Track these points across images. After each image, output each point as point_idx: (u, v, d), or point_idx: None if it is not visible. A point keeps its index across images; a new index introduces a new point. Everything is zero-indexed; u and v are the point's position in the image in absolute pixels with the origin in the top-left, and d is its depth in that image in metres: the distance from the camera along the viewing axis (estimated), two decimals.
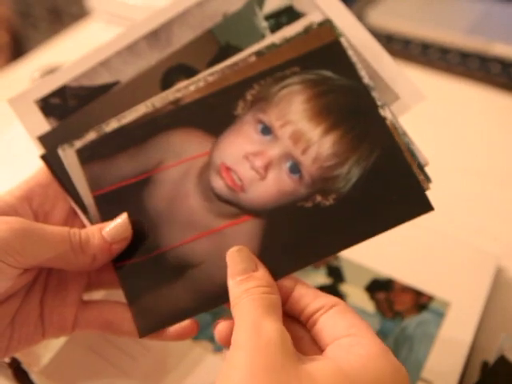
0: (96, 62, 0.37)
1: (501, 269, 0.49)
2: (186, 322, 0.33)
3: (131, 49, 0.37)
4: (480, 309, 0.45)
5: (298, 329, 0.30)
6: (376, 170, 0.33)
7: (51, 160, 0.35)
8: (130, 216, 0.33)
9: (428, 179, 0.33)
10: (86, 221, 0.35)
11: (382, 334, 0.44)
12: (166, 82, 0.36)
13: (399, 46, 0.77)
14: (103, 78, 0.37)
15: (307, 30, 0.35)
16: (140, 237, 0.34)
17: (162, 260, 0.33)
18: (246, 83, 0.35)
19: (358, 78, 0.34)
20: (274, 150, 0.33)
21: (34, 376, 0.40)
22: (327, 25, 0.35)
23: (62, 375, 0.40)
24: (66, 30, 0.91)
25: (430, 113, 0.68)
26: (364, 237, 0.32)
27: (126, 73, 0.37)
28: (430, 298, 0.46)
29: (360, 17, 0.80)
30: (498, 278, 0.48)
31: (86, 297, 0.36)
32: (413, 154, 0.33)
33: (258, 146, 0.34)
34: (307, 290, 0.31)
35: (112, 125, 0.35)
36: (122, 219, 0.33)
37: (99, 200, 0.34)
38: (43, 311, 0.33)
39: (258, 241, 0.33)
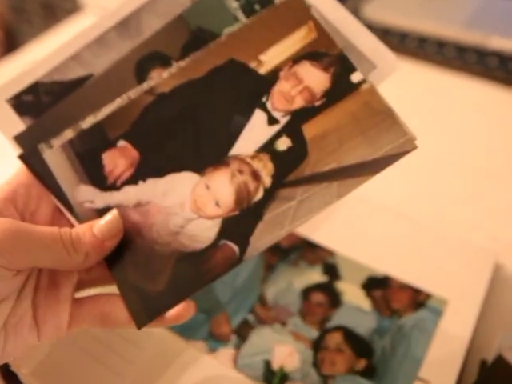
0: (67, 55, 0.36)
1: (499, 266, 0.49)
2: (181, 304, 0.33)
3: (101, 40, 0.37)
4: (478, 306, 0.44)
5: None
6: None
7: (30, 159, 0.34)
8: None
9: None
10: (72, 219, 0.34)
11: (378, 333, 0.43)
12: (141, 71, 0.36)
13: (396, 40, 0.77)
14: (75, 72, 0.36)
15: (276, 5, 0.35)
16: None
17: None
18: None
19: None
20: None
21: (23, 378, 0.39)
22: None
23: (51, 377, 0.39)
24: (59, 25, 0.90)
25: (426, 107, 0.67)
26: None
27: (98, 65, 0.36)
28: (428, 296, 0.45)
29: (356, 11, 0.80)
30: (496, 275, 0.48)
31: (78, 295, 0.35)
32: None
33: None
34: None
35: (89, 120, 0.35)
36: (113, 215, 0.33)
37: None
38: (36, 312, 0.33)
39: None
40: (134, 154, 0.34)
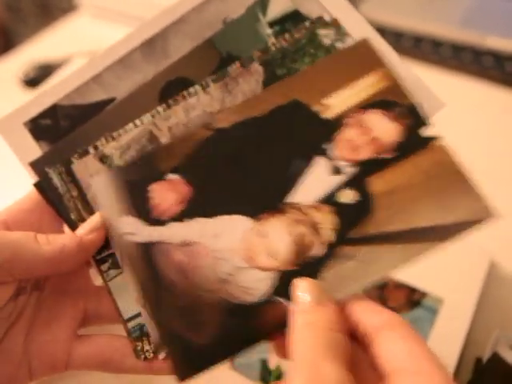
0: (88, 77, 0.34)
1: (494, 264, 0.49)
2: None
3: (124, 62, 0.34)
4: (473, 305, 0.44)
5: (355, 348, 0.27)
6: None
7: (45, 187, 0.33)
8: None
9: None
10: None
11: None
12: (165, 98, 0.34)
13: (391, 39, 0.77)
14: (97, 95, 0.34)
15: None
16: None
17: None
18: None
19: None
20: None
21: None
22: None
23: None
24: (54, 24, 0.90)
25: None
26: None
27: (120, 88, 0.34)
28: (423, 295, 0.46)
29: None
30: (492, 273, 0.48)
31: (84, 332, 0.33)
32: None
33: None
34: (366, 302, 0.28)
35: (111, 145, 0.33)
36: (95, 216, 0.32)
37: None
38: (30, 349, 0.30)
39: None
40: (185, 189, 0.32)
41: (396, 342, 0.26)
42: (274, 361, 0.42)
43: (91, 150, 0.33)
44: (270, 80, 0.33)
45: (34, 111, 0.35)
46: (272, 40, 0.34)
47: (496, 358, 0.40)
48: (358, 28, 0.34)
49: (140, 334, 0.31)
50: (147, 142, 0.33)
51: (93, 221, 0.32)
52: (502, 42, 0.72)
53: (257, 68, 0.33)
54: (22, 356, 0.30)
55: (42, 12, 1.40)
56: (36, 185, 0.33)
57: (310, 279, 0.28)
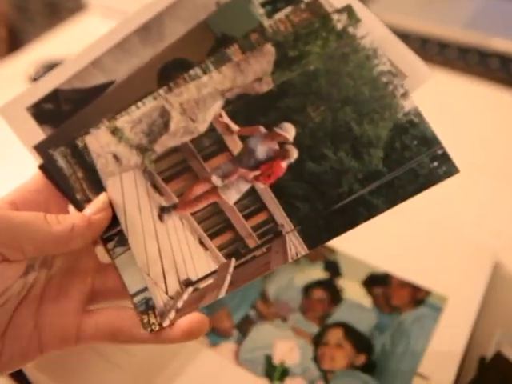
0: (87, 62, 0.36)
1: (499, 263, 0.49)
2: (195, 316, 0.32)
3: (122, 46, 0.36)
4: (477, 304, 0.44)
5: None
6: None
7: (50, 169, 0.34)
8: None
9: None
10: None
11: (378, 329, 0.44)
12: (163, 79, 0.35)
13: None
14: (96, 79, 0.35)
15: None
16: None
17: None
18: None
19: None
20: None
21: (26, 370, 0.40)
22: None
23: (55, 369, 0.40)
24: (63, 23, 0.91)
25: (428, 108, 0.68)
26: None
27: (119, 72, 0.35)
28: (428, 293, 0.46)
29: None
30: (496, 272, 0.48)
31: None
32: None
33: None
34: None
35: (123, 119, 0.34)
36: (101, 195, 0.33)
37: None
38: (40, 323, 0.31)
39: None
40: None
41: None
42: (278, 356, 0.42)
43: (105, 123, 0.34)
44: (281, 61, 0.34)
45: (36, 96, 0.36)
46: (269, 22, 0.35)
47: (499, 357, 0.40)
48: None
49: (146, 308, 0.32)
50: (158, 116, 0.34)
51: (100, 201, 0.33)
52: (507, 44, 0.72)
53: (269, 49, 0.34)
54: (33, 330, 0.31)
55: (50, 11, 1.40)
56: (41, 167, 0.34)
57: None
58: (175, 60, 0.35)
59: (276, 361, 0.42)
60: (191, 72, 0.34)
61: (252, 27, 0.35)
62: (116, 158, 0.34)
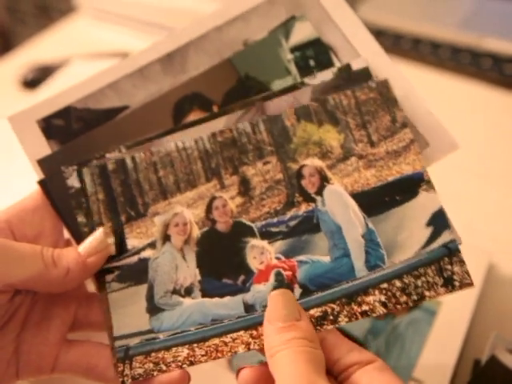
0: (104, 83, 0.35)
1: (493, 266, 0.49)
2: (175, 373, 0.30)
3: (142, 72, 0.35)
4: (472, 307, 0.44)
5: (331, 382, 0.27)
6: None
7: (50, 185, 0.33)
8: None
9: None
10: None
11: (373, 333, 0.44)
12: (179, 111, 0.34)
13: (390, 41, 0.77)
14: (111, 101, 0.35)
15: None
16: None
17: None
18: None
19: None
20: None
21: None
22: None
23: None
24: (53, 25, 0.90)
25: None
26: None
27: (135, 97, 0.34)
28: None
29: None
30: (490, 275, 0.48)
31: (71, 337, 0.33)
32: None
33: None
34: (341, 340, 0.29)
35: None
36: (98, 232, 0.32)
37: None
38: (20, 349, 0.30)
39: None
40: None
41: (371, 373, 0.27)
42: None
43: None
44: None
45: (48, 110, 0.35)
46: (292, 66, 0.34)
47: (494, 360, 0.40)
48: (381, 64, 0.34)
49: (124, 356, 0.31)
50: None
51: (97, 239, 0.31)
52: (499, 44, 0.72)
53: None
54: (12, 355, 0.30)
55: (41, 13, 1.40)
56: (40, 182, 0.33)
57: (285, 291, 0.29)
58: (193, 94, 0.34)
59: None
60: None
61: (278, 72, 0.34)
62: None
